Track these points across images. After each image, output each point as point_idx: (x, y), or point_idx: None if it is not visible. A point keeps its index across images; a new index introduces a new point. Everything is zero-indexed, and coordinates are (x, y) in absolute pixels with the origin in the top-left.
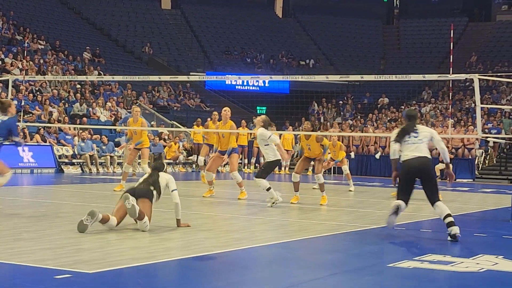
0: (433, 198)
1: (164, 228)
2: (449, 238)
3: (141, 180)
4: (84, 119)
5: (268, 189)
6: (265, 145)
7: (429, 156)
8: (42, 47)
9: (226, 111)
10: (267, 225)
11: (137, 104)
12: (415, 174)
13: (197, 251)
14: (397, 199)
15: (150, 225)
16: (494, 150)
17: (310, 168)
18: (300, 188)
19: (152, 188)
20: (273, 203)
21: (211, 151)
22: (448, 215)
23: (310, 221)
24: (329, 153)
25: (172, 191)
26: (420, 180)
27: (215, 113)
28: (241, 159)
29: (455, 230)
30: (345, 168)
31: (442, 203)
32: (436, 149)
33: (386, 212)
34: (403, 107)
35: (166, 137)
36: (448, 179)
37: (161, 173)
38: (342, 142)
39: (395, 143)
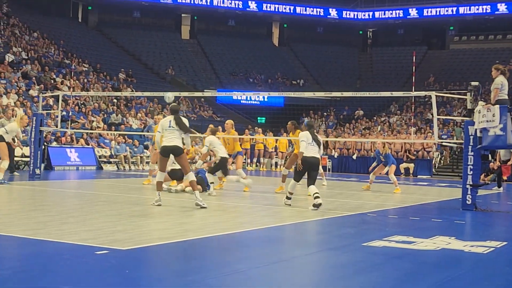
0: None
1: (183, 214)
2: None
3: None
4: (122, 126)
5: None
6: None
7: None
8: (86, 69)
9: (228, 124)
10: (265, 212)
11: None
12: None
13: (209, 233)
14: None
15: (173, 210)
16: (448, 153)
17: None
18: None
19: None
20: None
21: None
22: (316, 193)
23: (300, 209)
24: None
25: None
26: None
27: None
28: (245, 159)
29: (319, 201)
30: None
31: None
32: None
33: (361, 202)
34: (375, 118)
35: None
36: None
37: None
38: (328, 145)
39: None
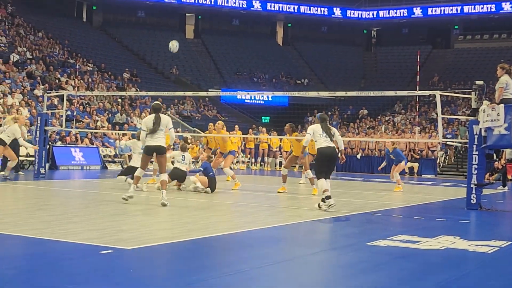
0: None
1: (187, 214)
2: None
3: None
4: (126, 125)
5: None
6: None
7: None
8: (90, 68)
9: (219, 124)
10: (269, 211)
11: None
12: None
13: (213, 232)
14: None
15: (177, 209)
16: (452, 152)
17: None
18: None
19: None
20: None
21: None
22: (326, 190)
23: (304, 208)
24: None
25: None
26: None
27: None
28: (249, 159)
29: (331, 202)
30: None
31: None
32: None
33: (365, 202)
34: (379, 117)
35: (189, 140)
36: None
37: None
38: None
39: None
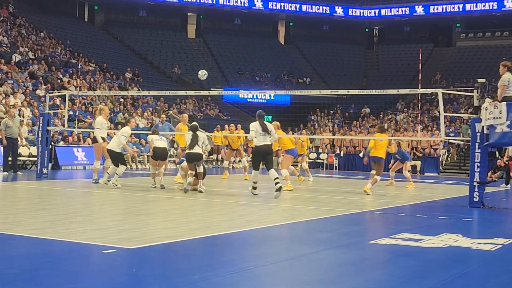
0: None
1: (189, 213)
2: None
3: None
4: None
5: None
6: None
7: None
8: (92, 68)
9: (275, 124)
10: (272, 210)
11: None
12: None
13: (216, 231)
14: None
15: (180, 208)
16: (455, 150)
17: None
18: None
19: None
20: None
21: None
22: (276, 178)
23: (307, 207)
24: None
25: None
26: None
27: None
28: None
29: (279, 185)
30: (304, 164)
31: (273, 170)
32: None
33: (368, 200)
34: (381, 115)
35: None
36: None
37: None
38: (335, 143)
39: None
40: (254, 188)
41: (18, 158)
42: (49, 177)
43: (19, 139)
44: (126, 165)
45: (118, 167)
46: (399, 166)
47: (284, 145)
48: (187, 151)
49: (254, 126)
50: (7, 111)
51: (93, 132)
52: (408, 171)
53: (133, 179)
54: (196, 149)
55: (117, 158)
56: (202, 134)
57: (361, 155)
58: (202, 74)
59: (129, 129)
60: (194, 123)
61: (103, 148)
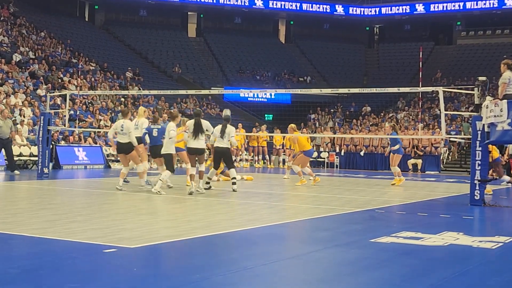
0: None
1: (190, 212)
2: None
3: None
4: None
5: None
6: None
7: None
8: (93, 68)
9: (291, 127)
10: (272, 209)
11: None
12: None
13: (216, 230)
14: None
15: (180, 207)
16: (456, 148)
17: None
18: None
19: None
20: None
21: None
22: (234, 178)
23: (307, 205)
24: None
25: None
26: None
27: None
28: (252, 157)
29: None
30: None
31: (233, 169)
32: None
33: (369, 198)
34: (382, 114)
35: None
36: None
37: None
38: (335, 142)
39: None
40: (207, 183)
41: (19, 158)
42: (50, 176)
43: (18, 138)
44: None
45: (168, 171)
46: (396, 158)
47: (302, 145)
48: (188, 144)
49: (216, 129)
50: (1, 111)
51: (94, 132)
52: (409, 169)
53: (133, 178)
54: (199, 142)
55: (170, 162)
56: (205, 122)
57: (362, 153)
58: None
59: (174, 124)
60: (198, 109)
61: (144, 150)
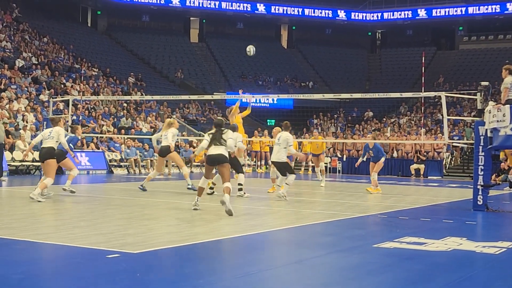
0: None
1: (193, 217)
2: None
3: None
4: (133, 130)
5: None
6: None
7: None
8: (96, 73)
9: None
10: (276, 214)
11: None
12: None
13: (220, 235)
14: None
15: (183, 213)
16: (458, 153)
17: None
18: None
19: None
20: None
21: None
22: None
23: (310, 211)
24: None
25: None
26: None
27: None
28: (254, 162)
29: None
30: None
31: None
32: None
33: (371, 204)
34: (384, 119)
35: (195, 144)
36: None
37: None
38: (336, 147)
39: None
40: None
41: (22, 163)
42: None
43: (21, 143)
44: (295, 173)
45: (286, 176)
46: (378, 167)
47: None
48: (208, 152)
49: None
50: (12, 116)
51: (97, 138)
52: (412, 174)
53: (136, 183)
54: (219, 148)
55: (284, 168)
56: (233, 133)
57: (364, 158)
58: (250, 50)
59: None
60: (220, 117)
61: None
